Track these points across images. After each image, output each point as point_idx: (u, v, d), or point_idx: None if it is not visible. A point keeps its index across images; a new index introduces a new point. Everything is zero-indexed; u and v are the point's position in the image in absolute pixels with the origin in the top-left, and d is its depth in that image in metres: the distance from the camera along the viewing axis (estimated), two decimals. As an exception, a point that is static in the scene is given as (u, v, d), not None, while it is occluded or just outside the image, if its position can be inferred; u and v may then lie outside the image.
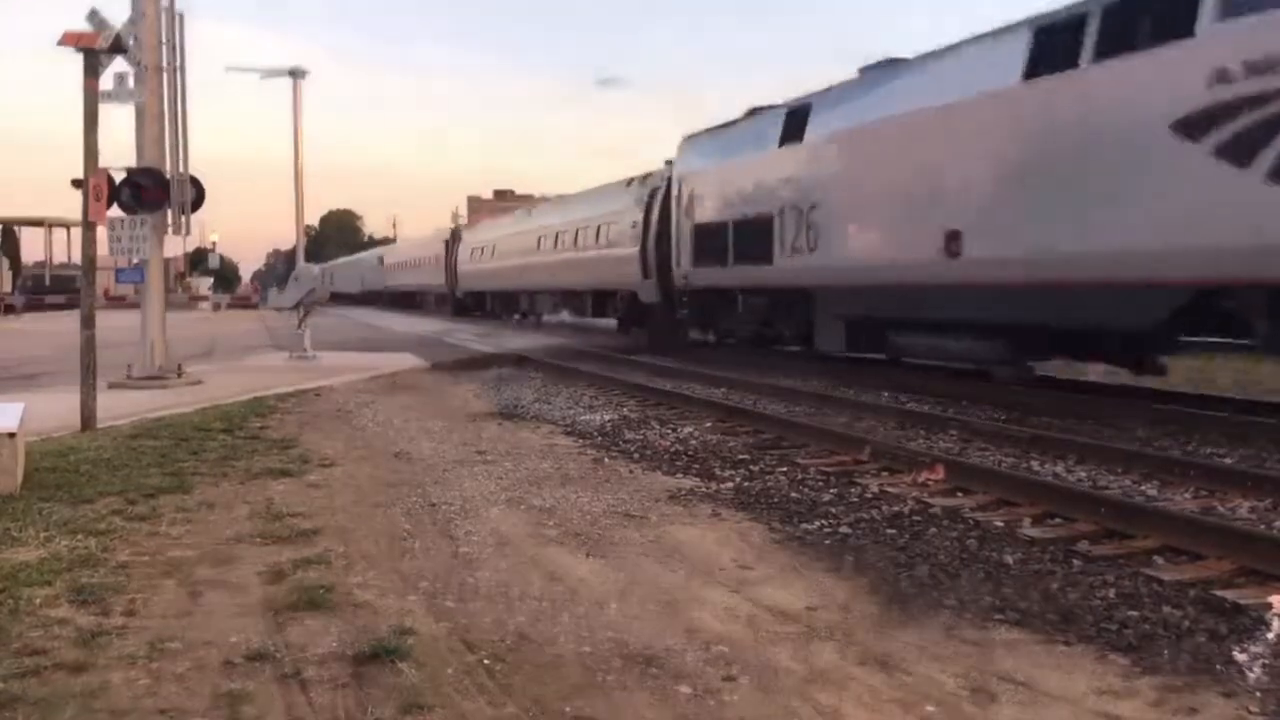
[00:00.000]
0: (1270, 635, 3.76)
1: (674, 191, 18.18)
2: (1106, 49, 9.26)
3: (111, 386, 11.39)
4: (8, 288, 49.55)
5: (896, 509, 5.92)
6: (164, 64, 12.35)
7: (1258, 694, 3.30)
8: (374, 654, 3.57)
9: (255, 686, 3.32)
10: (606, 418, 10.04)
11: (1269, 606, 4.01)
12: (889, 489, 6.46)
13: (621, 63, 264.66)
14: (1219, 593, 4.24)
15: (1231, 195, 8.02)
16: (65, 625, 3.86)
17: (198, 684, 3.34)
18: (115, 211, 11.78)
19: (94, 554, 4.82)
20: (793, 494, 6.41)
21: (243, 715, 3.13)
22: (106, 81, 11.25)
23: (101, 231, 10.34)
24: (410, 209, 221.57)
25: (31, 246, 68.51)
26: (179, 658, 3.57)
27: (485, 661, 3.56)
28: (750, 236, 15.02)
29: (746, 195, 15.41)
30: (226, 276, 67.53)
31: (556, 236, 27.06)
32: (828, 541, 5.27)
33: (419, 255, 47.83)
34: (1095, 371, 12.17)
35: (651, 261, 19.79)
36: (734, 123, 16.65)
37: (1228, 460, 7.31)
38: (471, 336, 24.20)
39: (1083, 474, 6.90)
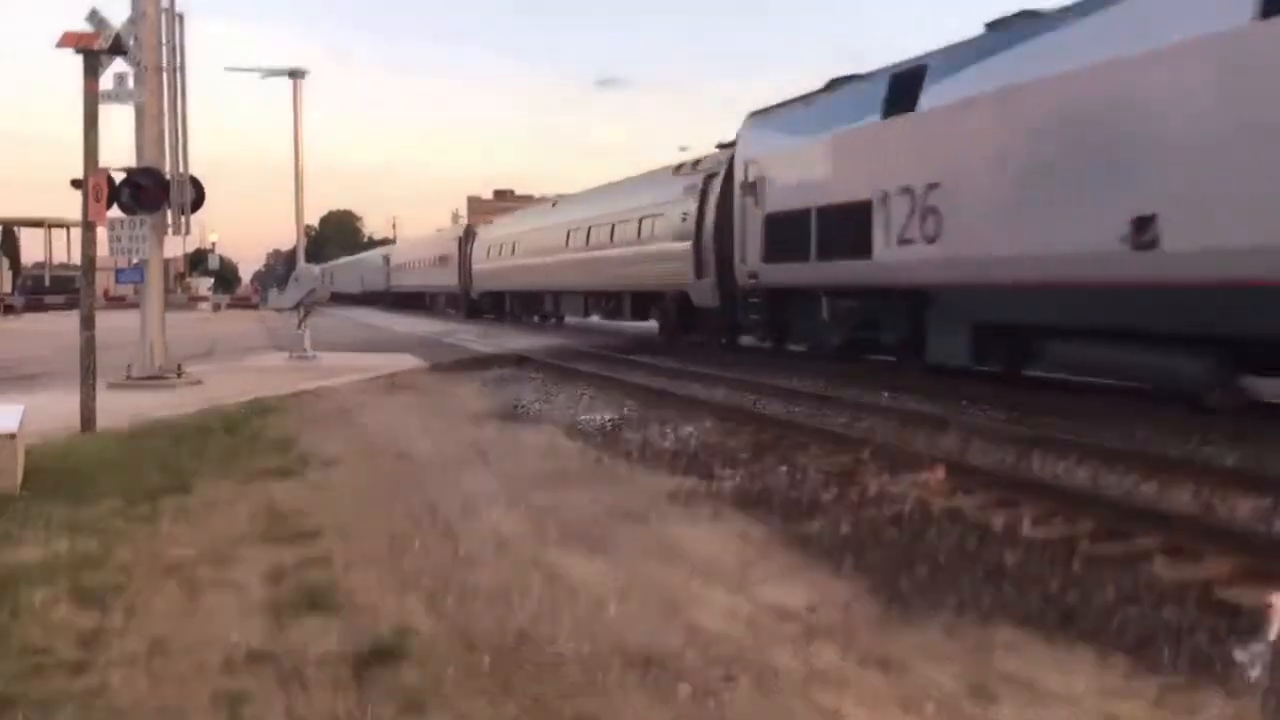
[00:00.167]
0: (1270, 635, 3.76)
1: (737, 177, 15.77)
2: None
3: (111, 387, 11.39)
4: (7, 288, 49.64)
5: (896, 509, 5.91)
6: (164, 64, 12.37)
7: (1258, 694, 3.30)
8: (374, 654, 3.57)
9: (255, 686, 3.32)
10: (606, 418, 10.04)
11: (1269, 606, 4.01)
12: (889, 489, 6.46)
13: (621, 63, 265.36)
14: (1219, 593, 4.24)
15: None
16: (65, 625, 3.86)
17: (198, 684, 3.34)
18: (115, 212, 11.81)
19: (94, 554, 4.82)
20: (793, 494, 6.40)
21: (243, 715, 3.13)
22: (106, 82, 11.29)
23: (101, 232, 10.36)
24: (410, 209, 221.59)
25: (31, 247, 68.86)
26: (179, 658, 3.57)
27: (486, 661, 3.56)
28: (840, 226, 12.81)
29: (836, 177, 13.21)
30: (226, 277, 67.55)
31: (589, 231, 24.36)
32: (828, 541, 5.26)
33: (428, 254, 45.59)
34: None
35: (708, 258, 17.48)
36: (812, 95, 14.40)
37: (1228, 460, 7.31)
38: (472, 337, 24.22)
39: (1083, 474, 6.90)
